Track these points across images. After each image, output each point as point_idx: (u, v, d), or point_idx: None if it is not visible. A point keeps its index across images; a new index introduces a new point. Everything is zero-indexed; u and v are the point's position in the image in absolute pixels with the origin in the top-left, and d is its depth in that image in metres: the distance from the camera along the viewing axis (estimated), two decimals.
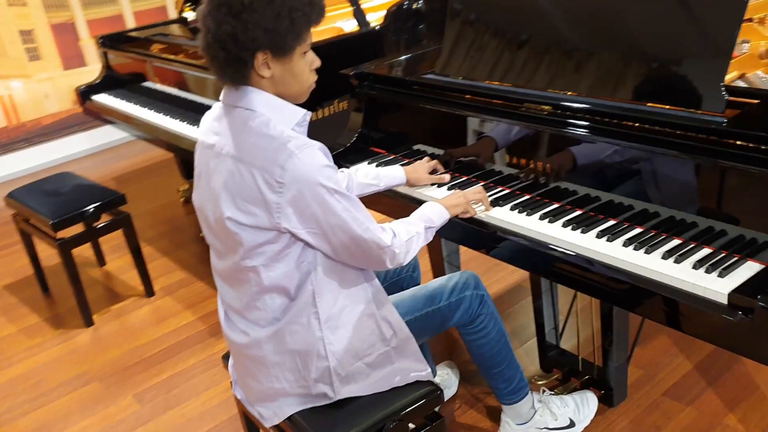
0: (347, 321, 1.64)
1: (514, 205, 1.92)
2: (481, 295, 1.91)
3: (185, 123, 3.23)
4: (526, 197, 1.96)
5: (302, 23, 1.50)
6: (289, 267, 1.58)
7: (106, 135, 5.57)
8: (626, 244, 1.67)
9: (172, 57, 3.43)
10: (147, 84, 3.76)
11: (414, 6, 3.39)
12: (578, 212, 1.84)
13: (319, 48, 1.66)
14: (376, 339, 1.68)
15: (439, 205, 1.85)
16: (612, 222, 1.77)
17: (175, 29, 4.01)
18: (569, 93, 1.92)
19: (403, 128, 2.42)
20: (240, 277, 1.63)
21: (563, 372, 2.41)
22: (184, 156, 3.76)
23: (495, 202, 1.95)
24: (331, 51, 2.91)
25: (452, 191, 2.02)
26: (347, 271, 1.65)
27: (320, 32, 3.17)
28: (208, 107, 3.23)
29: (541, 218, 1.84)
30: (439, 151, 2.25)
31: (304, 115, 1.60)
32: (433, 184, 2.12)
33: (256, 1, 1.44)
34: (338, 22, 3.44)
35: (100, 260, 3.70)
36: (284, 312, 1.62)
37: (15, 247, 3.89)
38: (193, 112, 3.34)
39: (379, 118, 2.47)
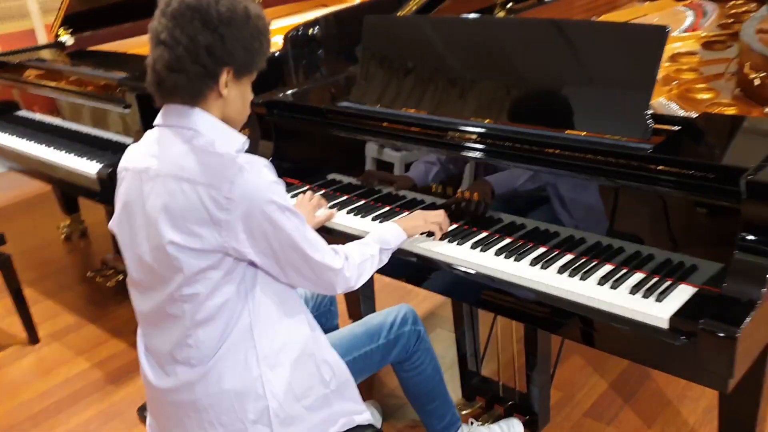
0: (286, 360, 1.55)
1: (444, 234, 1.89)
2: (419, 330, 1.87)
3: (72, 155, 3.00)
4: (454, 226, 1.93)
5: (266, 48, 1.50)
6: (227, 296, 1.48)
7: None
8: (561, 271, 1.67)
9: (54, 84, 3.19)
10: (22, 113, 3.48)
11: (310, 32, 3.34)
12: (508, 240, 1.84)
13: None
14: (316, 381, 1.59)
15: (397, 226, 1.80)
16: (543, 249, 1.77)
17: (51, 54, 3.74)
18: (488, 121, 1.93)
19: (316, 157, 2.35)
20: (171, 312, 1.51)
21: (486, 399, 2.40)
22: (71, 190, 3.52)
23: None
24: None
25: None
26: (286, 301, 1.57)
27: None
28: (94, 138, 3.09)
29: (473, 247, 1.82)
30: (356, 181, 2.20)
31: (243, 143, 1.54)
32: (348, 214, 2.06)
33: (234, 17, 1.42)
34: None
35: None
36: (218, 348, 1.50)
37: None
38: (80, 143, 3.11)
39: (291, 147, 2.39)
